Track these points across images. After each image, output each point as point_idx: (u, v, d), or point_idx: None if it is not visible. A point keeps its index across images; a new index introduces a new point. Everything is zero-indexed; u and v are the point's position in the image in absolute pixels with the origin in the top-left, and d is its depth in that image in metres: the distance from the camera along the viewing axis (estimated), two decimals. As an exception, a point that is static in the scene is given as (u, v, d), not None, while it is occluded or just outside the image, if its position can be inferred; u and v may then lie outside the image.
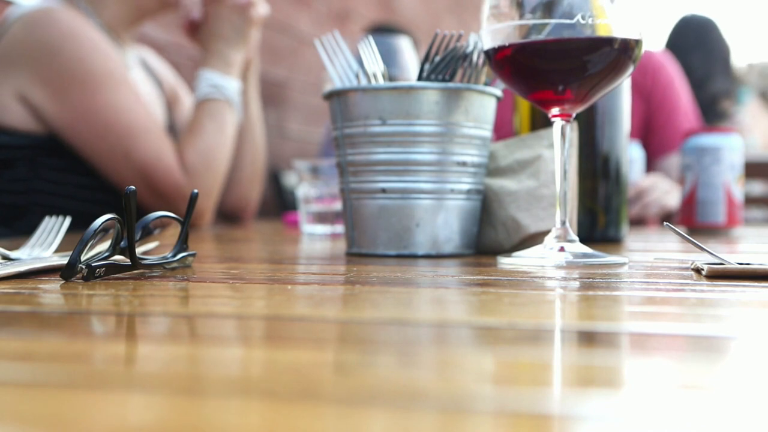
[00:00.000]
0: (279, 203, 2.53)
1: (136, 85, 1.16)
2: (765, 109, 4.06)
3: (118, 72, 1.12)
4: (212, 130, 1.17)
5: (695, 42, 2.51)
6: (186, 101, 1.39)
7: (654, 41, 2.78)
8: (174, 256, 0.50)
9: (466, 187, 0.63)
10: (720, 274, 0.46)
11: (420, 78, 0.63)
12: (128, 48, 1.27)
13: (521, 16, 0.54)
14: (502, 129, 1.19)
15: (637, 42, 0.54)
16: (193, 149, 1.15)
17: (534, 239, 0.63)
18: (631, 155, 1.34)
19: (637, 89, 1.58)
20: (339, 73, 0.66)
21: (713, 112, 2.43)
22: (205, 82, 1.19)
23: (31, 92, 1.09)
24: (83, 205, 1.14)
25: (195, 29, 1.26)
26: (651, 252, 0.71)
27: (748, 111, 3.38)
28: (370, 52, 0.65)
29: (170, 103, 1.35)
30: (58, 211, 1.13)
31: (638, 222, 1.36)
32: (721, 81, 2.50)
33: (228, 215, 1.43)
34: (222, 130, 1.18)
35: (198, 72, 1.21)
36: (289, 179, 2.56)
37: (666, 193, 1.34)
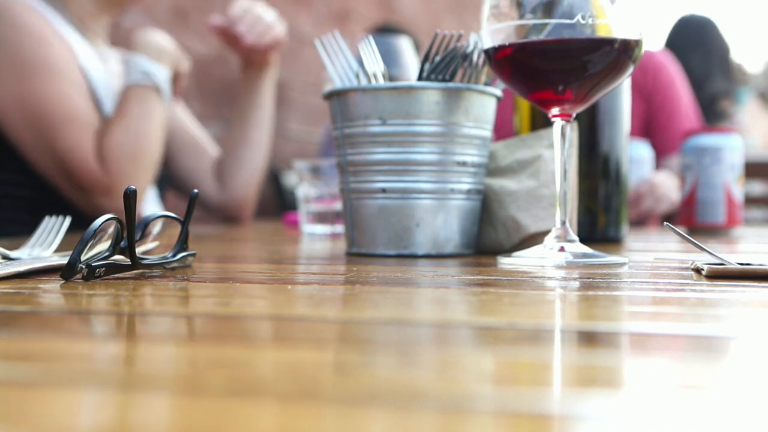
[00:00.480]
0: (279, 203, 2.53)
1: (80, 78, 1.13)
2: (764, 109, 4.05)
3: (57, 63, 1.10)
4: (136, 118, 1.12)
5: (694, 42, 2.51)
6: (176, 110, 1.39)
7: (654, 41, 2.78)
8: (174, 256, 0.50)
9: (466, 187, 0.63)
10: (720, 274, 0.46)
11: (420, 78, 0.63)
12: (101, 42, 1.26)
13: (521, 16, 0.54)
14: (502, 129, 1.19)
15: (637, 42, 0.54)
16: (114, 138, 1.11)
17: (534, 239, 0.63)
18: (641, 154, 1.34)
19: (638, 90, 1.58)
20: (339, 73, 0.66)
21: (712, 112, 2.43)
22: (135, 68, 1.15)
23: None
24: (40, 193, 1.13)
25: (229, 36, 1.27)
26: (651, 252, 0.71)
27: (747, 111, 3.38)
28: (370, 52, 0.65)
29: None
30: (22, 201, 1.12)
31: (640, 221, 1.37)
32: (720, 81, 2.50)
33: (225, 215, 1.43)
34: (147, 117, 1.13)
35: (128, 57, 1.17)
36: (289, 179, 2.56)
37: (673, 189, 1.37)
